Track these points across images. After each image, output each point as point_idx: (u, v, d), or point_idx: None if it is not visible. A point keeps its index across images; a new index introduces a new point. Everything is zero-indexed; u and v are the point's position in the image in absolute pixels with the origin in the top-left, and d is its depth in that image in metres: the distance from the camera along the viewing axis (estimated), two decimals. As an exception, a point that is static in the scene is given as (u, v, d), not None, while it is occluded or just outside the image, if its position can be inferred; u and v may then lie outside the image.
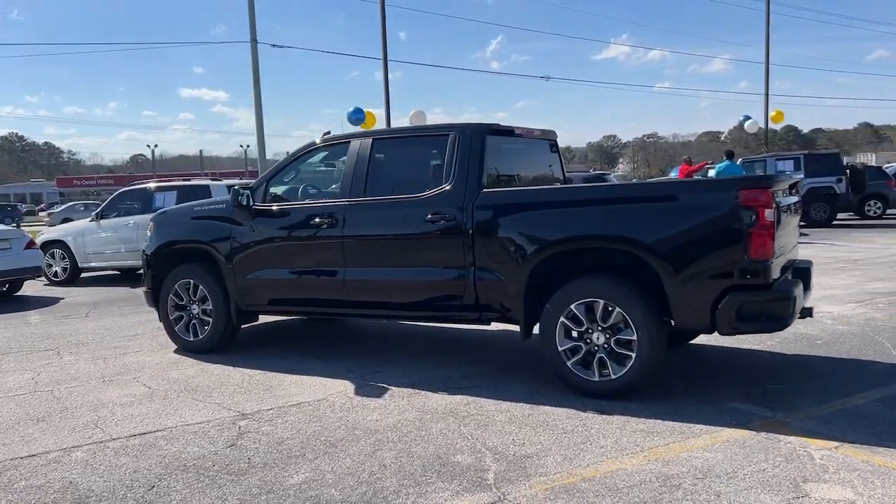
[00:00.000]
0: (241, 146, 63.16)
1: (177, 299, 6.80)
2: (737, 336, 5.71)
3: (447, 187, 5.47)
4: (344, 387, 5.49)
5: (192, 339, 6.75)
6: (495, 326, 7.05)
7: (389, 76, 22.24)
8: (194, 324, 6.73)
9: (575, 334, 5.01)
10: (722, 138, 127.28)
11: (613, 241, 4.87)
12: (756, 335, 6.09)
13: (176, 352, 6.87)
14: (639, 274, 4.92)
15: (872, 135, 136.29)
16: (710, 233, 4.62)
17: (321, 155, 6.51)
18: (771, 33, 26.21)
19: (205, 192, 12.05)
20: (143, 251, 7.05)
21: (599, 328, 4.93)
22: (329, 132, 6.48)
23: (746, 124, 25.92)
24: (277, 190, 6.40)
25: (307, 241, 6.07)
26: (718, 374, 5.54)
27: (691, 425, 4.41)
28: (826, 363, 5.76)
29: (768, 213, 4.52)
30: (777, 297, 4.59)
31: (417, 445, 4.24)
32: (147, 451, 4.30)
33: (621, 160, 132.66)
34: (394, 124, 23.06)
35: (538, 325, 5.20)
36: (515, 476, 3.77)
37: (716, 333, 4.90)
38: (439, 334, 7.32)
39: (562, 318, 5.02)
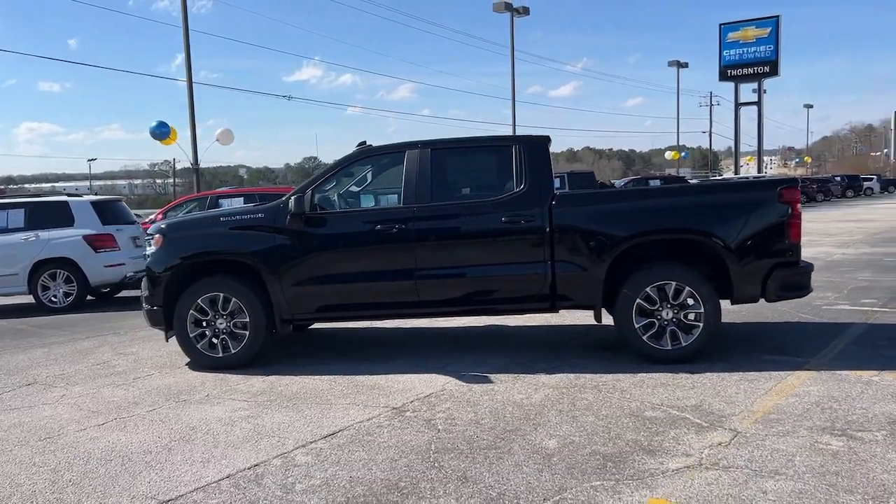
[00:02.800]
0: None
1: (199, 315, 6.46)
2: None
3: (521, 191, 6.14)
4: (445, 379, 5.84)
5: (220, 354, 6.47)
6: (483, 321, 7.81)
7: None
8: (223, 339, 6.47)
9: (648, 312, 5.99)
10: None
11: (691, 234, 5.96)
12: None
13: (192, 368, 6.54)
14: (697, 258, 6.07)
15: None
16: (761, 224, 5.92)
17: (367, 164, 6.72)
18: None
19: (62, 208, 10.83)
20: (149, 266, 6.56)
21: (669, 305, 5.98)
22: (364, 142, 6.73)
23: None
24: (320, 198, 6.46)
25: (372, 246, 6.28)
26: (720, 340, 6.86)
27: (767, 372, 5.64)
28: (775, 327, 7.42)
29: (799, 207, 5.96)
30: (804, 271, 6.05)
31: (601, 409, 4.92)
32: (370, 445, 4.41)
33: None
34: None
35: (613, 307, 6.10)
36: (716, 418, 4.65)
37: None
38: (443, 334, 7.77)
39: (638, 300, 5.98)
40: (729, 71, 42.03)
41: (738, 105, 42.32)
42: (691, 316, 5.96)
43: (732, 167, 45.18)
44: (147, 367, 6.79)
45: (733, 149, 44.49)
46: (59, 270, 10.68)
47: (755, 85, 42.90)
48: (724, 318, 7.62)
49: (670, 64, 49.02)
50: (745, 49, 41.86)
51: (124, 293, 12.43)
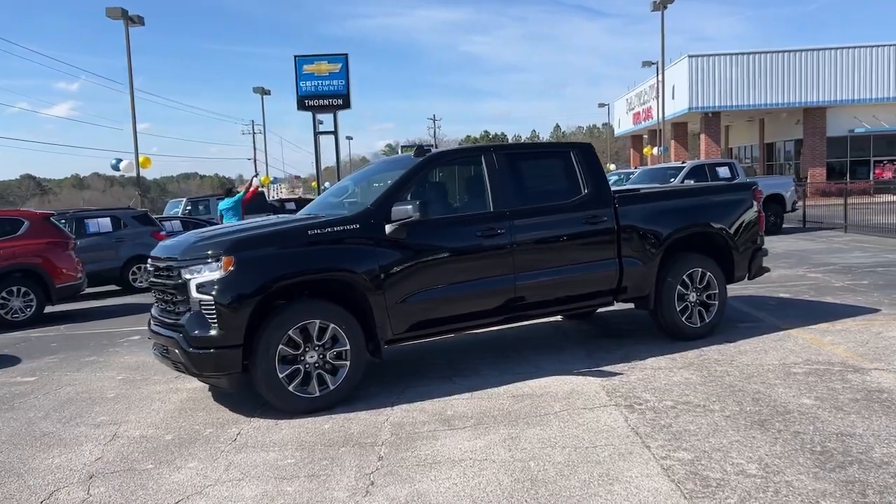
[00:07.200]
0: None
1: (290, 349, 5.32)
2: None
3: (590, 193, 6.56)
4: (581, 379, 5.89)
5: (317, 394, 5.41)
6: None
7: None
8: (319, 374, 5.43)
9: (682, 296, 6.98)
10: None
11: (713, 228, 7.09)
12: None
13: (265, 416, 5.34)
14: (707, 247, 7.25)
15: (36, 186, 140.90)
16: (747, 217, 7.37)
17: (442, 168, 6.28)
18: None
19: None
20: (220, 296, 5.12)
21: (695, 290, 7.06)
22: (421, 146, 6.33)
23: (122, 165, 25.91)
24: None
25: (475, 253, 5.98)
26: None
27: (777, 333, 7.11)
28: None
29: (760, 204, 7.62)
30: (766, 254, 7.70)
31: (767, 374, 5.74)
32: (700, 434, 4.56)
33: None
34: None
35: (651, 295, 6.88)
36: (845, 365, 5.89)
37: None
38: (460, 344, 7.47)
39: (678, 287, 6.93)
40: (306, 101, 44.08)
41: (316, 134, 44.76)
42: (711, 296, 7.11)
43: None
44: (201, 425, 5.25)
45: (315, 173, 47.01)
46: None
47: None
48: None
49: (255, 90, 49.51)
50: (320, 82, 44.59)
51: None
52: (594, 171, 6.68)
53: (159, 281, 5.67)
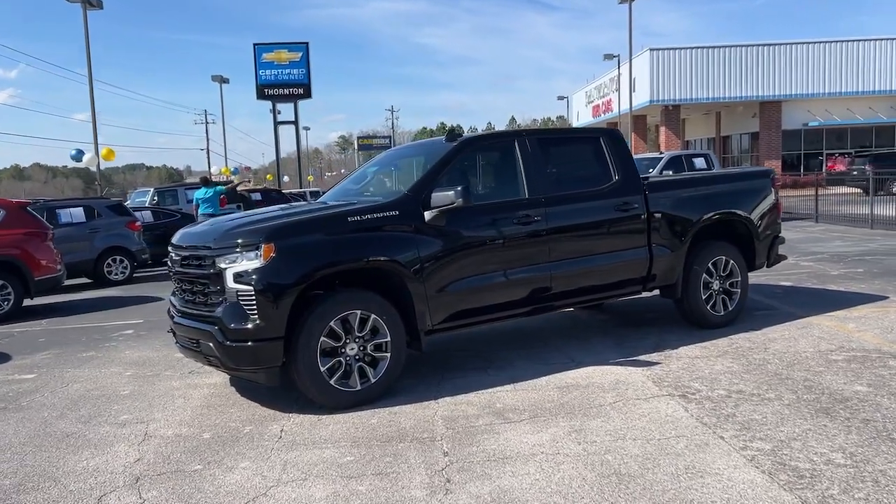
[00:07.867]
0: None
1: (332, 341, 5.08)
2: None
3: (620, 180, 6.44)
4: (621, 370, 5.81)
5: (358, 388, 5.17)
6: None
7: None
8: (360, 367, 5.20)
9: (707, 284, 6.92)
10: None
11: (736, 216, 7.02)
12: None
13: (301, 411, 5.09)
14: (730, 236, 7.20)
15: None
16: (767, 204, 7.35)
17: (476, 153, 6.08)
18: None
19: None
20: (260, 286, 4.84)
21: (719, 278, 7.01)
22: (453, 129, 6.13)
23: (85, 158, 24.91)
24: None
25: (512, 241, 5.80)
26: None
27: (807, 318, 7.12)
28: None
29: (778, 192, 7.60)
30: (783, 242, 7.69)
31: (808, 361, 5.71)
32: (771, 423, 4.48)
33: None
34: None
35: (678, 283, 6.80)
36: (881, 352, 5.90)
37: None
38: (498, 329, 7.25)
39: (704, 275, 6.87)
40: (266, 90, 43.37)
41: (276, 123, 44.04)
42: (733, 284, 7.07)
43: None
44: (237, 422, 4.97)
45: (267, 164, 46.17)
46: None
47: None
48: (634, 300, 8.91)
49: (214, 79, 48.37)
50: (280, 70, 43.80)
51: None
52: (623, 158, 6.56)
53: (186, 270, 5.36)
